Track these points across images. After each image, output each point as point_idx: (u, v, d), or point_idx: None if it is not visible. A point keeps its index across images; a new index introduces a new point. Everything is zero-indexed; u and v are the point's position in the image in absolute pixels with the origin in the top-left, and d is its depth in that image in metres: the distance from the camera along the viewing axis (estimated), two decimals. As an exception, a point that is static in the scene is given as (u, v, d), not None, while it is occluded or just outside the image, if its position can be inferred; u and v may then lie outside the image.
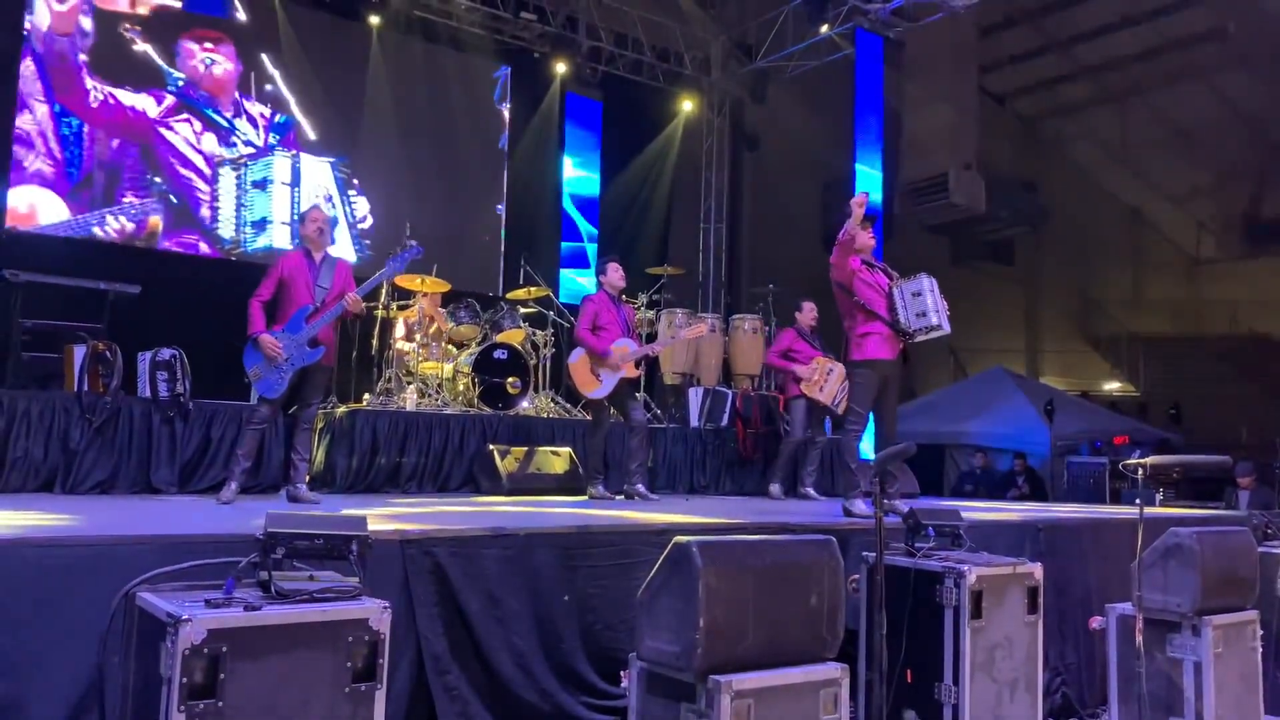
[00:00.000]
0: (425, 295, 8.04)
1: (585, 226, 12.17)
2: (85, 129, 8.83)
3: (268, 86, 9.85)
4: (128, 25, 9.05)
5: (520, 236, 11.15)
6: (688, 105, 12.83)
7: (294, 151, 9.93)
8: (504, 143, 11.57)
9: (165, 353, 6.07)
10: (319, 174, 10.05)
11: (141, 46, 9.12)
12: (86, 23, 8.86)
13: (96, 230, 8.82)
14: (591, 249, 12.12)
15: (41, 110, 8.62)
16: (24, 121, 8.55)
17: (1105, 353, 17.86)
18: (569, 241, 12.02)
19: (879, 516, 3.09)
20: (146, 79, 9.14)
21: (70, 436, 5.57)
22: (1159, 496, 9.08)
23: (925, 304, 5.31)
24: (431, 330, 7.92)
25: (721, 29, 12.87)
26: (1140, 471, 3.97)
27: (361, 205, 10.27)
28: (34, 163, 8.57)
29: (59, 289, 6.47)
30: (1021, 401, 12.91)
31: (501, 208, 11.46)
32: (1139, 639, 3.97)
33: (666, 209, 12.84)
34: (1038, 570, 3.89)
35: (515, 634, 3.51)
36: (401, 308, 8.05)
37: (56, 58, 8.67)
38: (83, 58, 8.80)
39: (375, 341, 7.92)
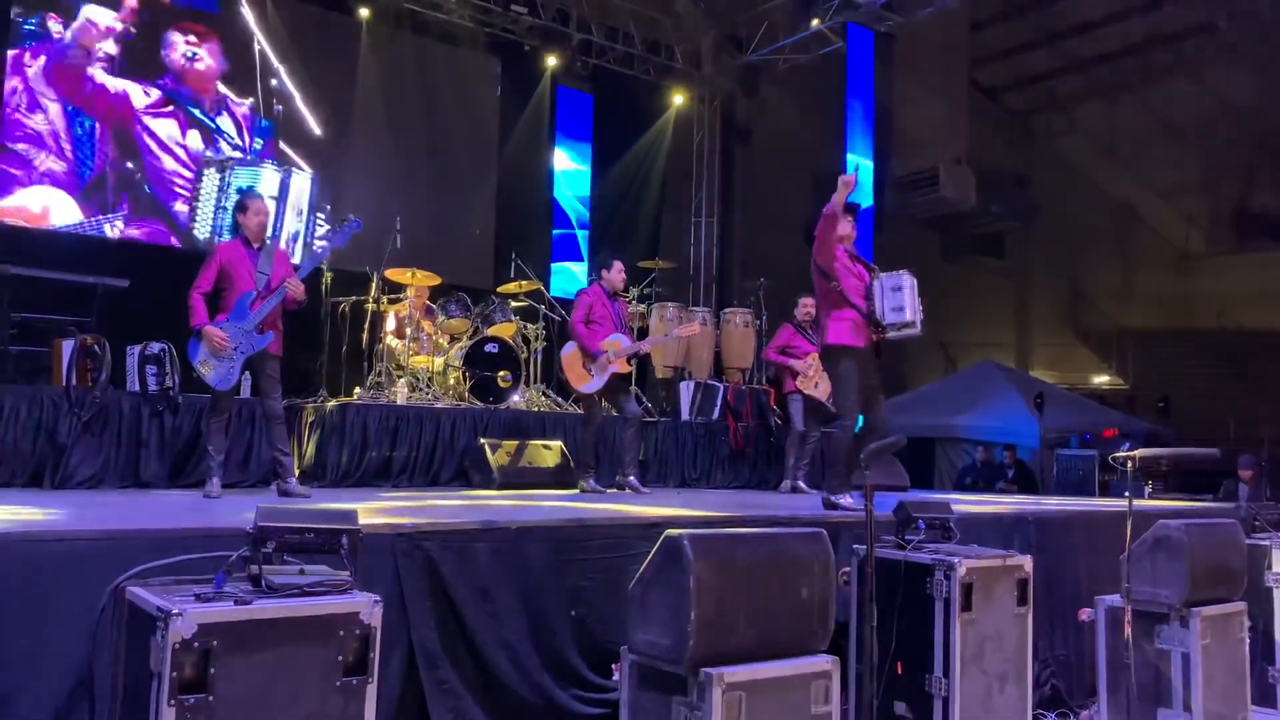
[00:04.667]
0: (416, 289, 8.03)
1: (576, 220, 12.15)
2: (97, 129, 8.81)
3: (273, 82, 9.84)
4: (119, 15, 8.99)
5: (511, 230, 11.13)
6: (678, 99, 12.81)
7: (286, 166, 9.88)
8: (494, 136, 11.54)
9: (154, 347, 6.04)
10: (302, 188, 9.98)
11: (132, 35, 9.06)
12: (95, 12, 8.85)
13: (109, 230, 8.84)
14: (583, 243, 12.11)
15: (54, 109, 8.60)
16: (36, 121, 8.52)
17: (1094, 346, 17.93)
18: (559, 235, 12.00)
19: (869, 509, 3.09)
20: (135, 69, 9.09)
21: (58, 431, 5.53)
22: (1148, 489, 9.13)
23: (903, 299, 5.22)
24: (422, 324, 7.91)
25: (712, 22, 12.85)
26: (1129, 464, 3.99)
27: (321, 229, 10.06)
28: (45, 162, 8.55)
29: (47, 283, 6.42)
30: (1011, 395, 12.95)
31: (492, 201, 11.43)
32: (1127, 630, 3.99)
33: (658, 203, 12.83)
34: (1028, 563, 3.90)
35: (507, 628, 3.51)
36: (392, 301, 8.03)
37: (62, 53, 8.64)
38: (69, 39, 8.73)
39: (365, 335, 7.89)
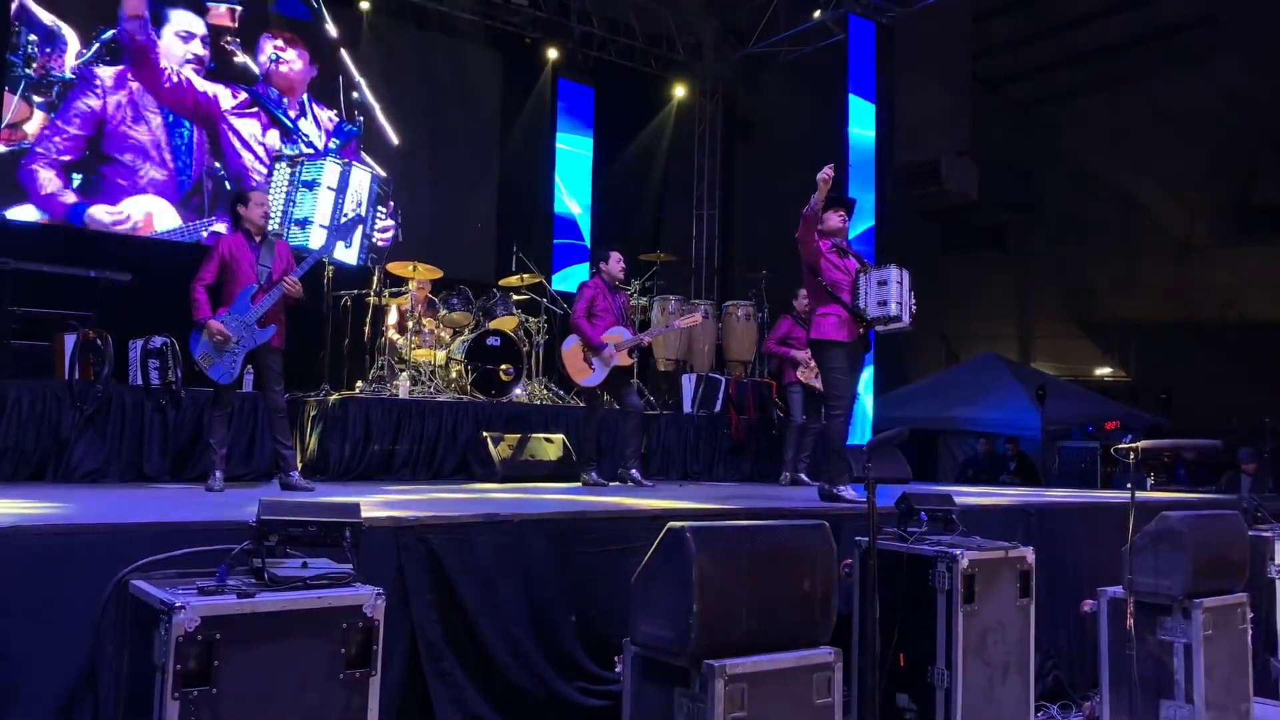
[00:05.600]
0: (417, 283, 8.03)
1: (578, 213, 12.14)
2: (194, 138, 9.19)
3: (355, 95, 10.11)
4: (210, 19, 9.36)
5: (513, 224, 11.11)
6: (680, 91, 12.78)
7: (347, 160, 10.10)
8: (496, 129, 11.52)
9: (157, 340, 6.04)
10: (361, 182, 10.17)
11: (224, 39, 9.45)
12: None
13: (205, 235, 9.14)
14: (585, 236, 12.10)
15: (156, 121, 8.99)
16: (140, 133, 8.90)
17: (1097, 338, 17.91)
18: (561, 228, 11.99)
19: (871, 501, 3.09)
20: (225, 72, 9.42)
21: (61, 425, 5.55)
22: (1150, 481, 9.11)
23: (889, 293, 5.18)
24: (424, 318, 7.91)
25: (713, 14, 12.80)
26: (1131, 456, 3.99)
27: (384, 222, 10.28)
28: (149, 172, 8.92)
29: (49, 277, 6.42)
30: (1014, 387, 12.93)
31: (494, 195, 11.42)
32: (1130, 622, 3.99)
33: (659, 195, 12.81)
34: (1030, 554, 3.90)
35: (509, 620, 3.52)
36: (394, 295, 8.03)
37: (130, 37, 8.86)
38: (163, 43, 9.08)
39: (368, 329, 7.90)
